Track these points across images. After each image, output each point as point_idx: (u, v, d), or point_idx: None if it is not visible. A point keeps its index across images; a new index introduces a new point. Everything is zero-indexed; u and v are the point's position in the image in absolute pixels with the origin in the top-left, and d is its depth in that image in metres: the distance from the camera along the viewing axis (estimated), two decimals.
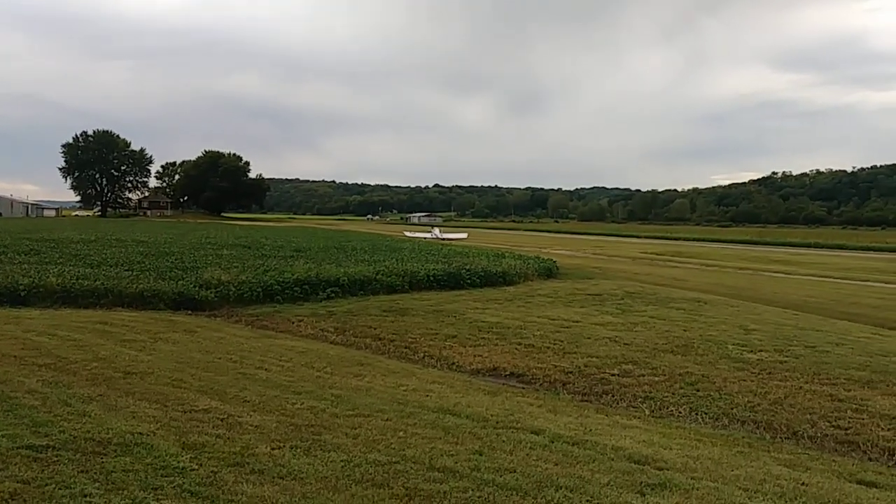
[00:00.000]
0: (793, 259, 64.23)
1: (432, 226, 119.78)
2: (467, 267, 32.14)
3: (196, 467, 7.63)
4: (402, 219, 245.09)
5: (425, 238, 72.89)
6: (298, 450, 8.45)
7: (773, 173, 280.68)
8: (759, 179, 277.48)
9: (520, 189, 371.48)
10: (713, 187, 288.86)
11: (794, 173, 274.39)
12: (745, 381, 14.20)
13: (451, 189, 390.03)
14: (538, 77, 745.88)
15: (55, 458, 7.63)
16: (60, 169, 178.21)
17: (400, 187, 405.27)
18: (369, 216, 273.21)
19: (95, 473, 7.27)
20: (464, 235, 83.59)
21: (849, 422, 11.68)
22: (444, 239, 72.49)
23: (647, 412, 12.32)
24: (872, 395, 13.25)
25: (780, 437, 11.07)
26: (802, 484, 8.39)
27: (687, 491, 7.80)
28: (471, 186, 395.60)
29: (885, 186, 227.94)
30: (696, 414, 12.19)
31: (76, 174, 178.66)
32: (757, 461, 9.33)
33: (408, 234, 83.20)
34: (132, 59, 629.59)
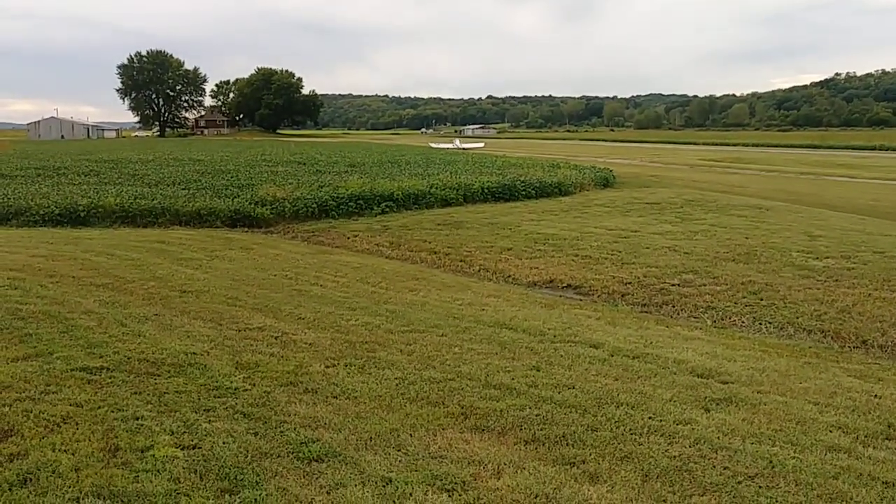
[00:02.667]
0: (857, 163, 62.48)
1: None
2: (522, 178, 31.91)
3: (249, 387, 7.55)
4: (455, 132, 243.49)
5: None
6: (352, 367, 8.34)
7: (836, 74, 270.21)
8: (820, 81, 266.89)
9: (574, 98, 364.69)
10: (773, 91, 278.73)
11: (859, 74, 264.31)
12: (810, 288, 13.78)
13: (504, 100, 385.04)
14: None
15: (109, 380, 7.60)
16: (117, 90, 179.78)
17: (453, 100, 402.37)
18: (423, 130, 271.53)
19: (148, 395, 7.23)
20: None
21: None
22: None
23: (708, 322, 12.02)
24: None
25: (849, 347, 10.70)
26: (875, 396, 8.05)
27: (754, 406, 7.52)
28: (524, 97, 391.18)
29: None
30: (760, 323, 11.86)
31: (133, 95, 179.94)
32: (826, 372, 8.99)
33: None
34: None
